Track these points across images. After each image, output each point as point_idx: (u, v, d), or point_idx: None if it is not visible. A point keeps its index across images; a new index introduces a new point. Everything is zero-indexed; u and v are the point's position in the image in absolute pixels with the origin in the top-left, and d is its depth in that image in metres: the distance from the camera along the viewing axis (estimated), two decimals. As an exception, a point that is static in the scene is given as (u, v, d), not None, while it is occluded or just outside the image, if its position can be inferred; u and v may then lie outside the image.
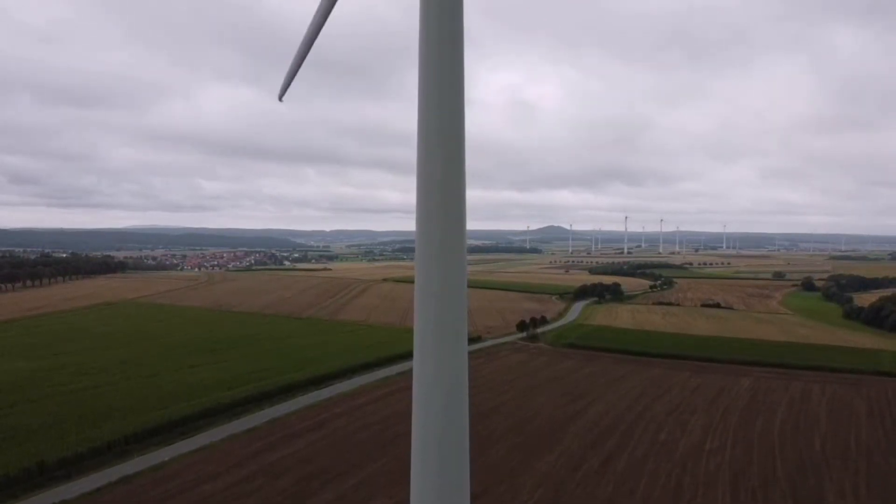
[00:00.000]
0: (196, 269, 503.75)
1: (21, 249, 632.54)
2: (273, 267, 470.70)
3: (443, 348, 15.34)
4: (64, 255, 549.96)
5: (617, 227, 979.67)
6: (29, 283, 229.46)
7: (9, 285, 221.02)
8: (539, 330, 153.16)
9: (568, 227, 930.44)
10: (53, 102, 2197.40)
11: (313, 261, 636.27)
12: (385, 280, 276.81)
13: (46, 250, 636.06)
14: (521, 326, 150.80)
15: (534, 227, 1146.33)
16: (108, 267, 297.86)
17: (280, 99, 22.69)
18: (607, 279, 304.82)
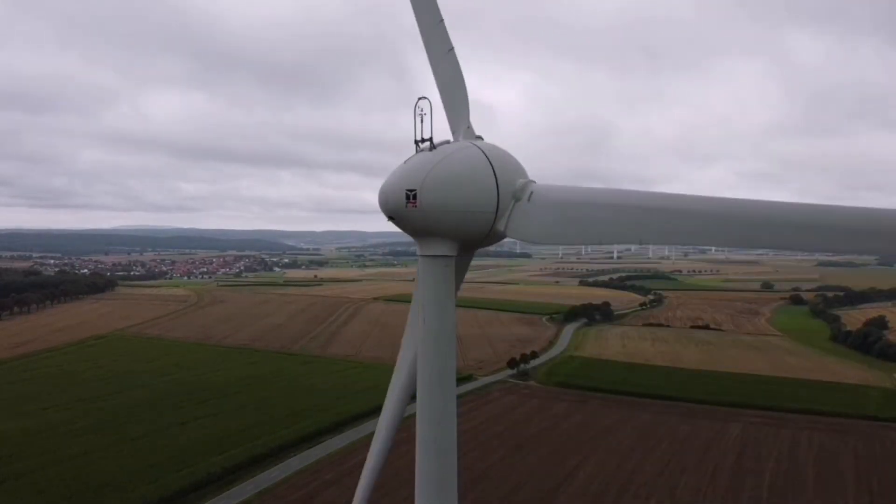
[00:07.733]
0: (186, 277, 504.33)
1: (9, 254, 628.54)
2: (264, 279, 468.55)
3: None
4: (53, 262, 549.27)
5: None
6: (17, 309, 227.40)
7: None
8: (530, 364, 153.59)
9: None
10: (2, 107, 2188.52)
11: (303, 267, 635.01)
12: (376, 299, 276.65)
13: (35, 255, 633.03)
14: (512, 363, 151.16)
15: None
16: (96, 287, 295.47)
17: None
18: (597, 294, 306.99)
